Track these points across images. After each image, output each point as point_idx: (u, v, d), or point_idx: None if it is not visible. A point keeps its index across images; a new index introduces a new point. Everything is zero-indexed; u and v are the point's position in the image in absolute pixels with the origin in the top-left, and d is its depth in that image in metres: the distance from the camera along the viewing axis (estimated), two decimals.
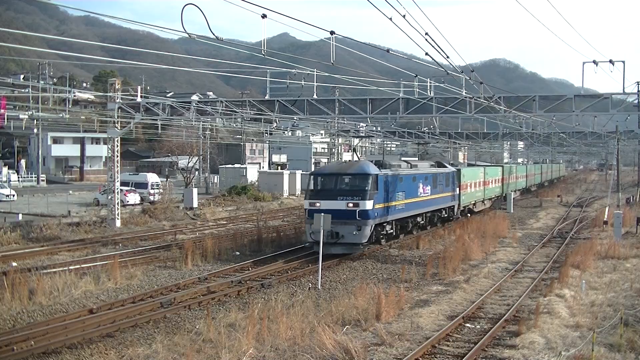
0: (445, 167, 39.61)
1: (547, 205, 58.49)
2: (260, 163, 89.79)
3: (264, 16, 15.14)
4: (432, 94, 30.98)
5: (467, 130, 66.76)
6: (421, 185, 33.42)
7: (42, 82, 59.80)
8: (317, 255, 23.21)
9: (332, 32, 18.09)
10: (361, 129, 64.91)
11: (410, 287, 21.71)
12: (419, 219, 34.45)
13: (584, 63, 27.22)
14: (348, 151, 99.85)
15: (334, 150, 66.17)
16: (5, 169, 73.69)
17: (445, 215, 39.15)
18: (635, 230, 36.23)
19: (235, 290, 21.07)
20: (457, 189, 40.73)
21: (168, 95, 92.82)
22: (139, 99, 37.33)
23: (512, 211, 50.68)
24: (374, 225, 27.75)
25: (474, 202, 46.23)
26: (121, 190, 40.63)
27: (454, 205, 40.29)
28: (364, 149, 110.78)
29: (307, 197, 28.65)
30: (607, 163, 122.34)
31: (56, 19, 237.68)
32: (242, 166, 73.56)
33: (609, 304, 19.05)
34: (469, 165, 77.67)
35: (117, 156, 37.48)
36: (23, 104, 60.06)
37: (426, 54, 17.73)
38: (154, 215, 41.55)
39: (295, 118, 37.22)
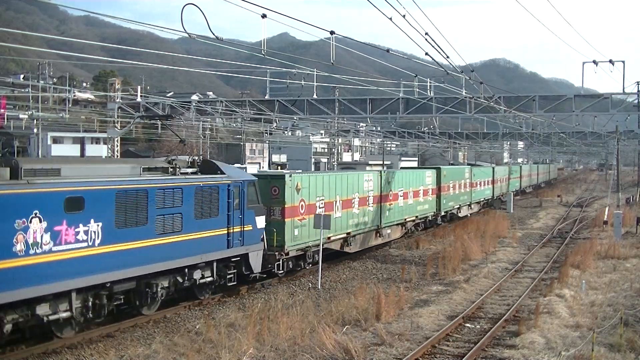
0: (220, 173, 19.34)
1: (547, 205, 58.50)
2: (260, 163, 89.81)
3: (264, 16, 15.15)
4: (432, 94, 30.99)
5: (467, 130, 66.79)
6: (39, 228, 13.53)
7: (42, 82, 59.79)
8: None
9: (332, 32, 18.11)
10: (361, 129, 64.93)
11: (410, 287, 21.72)
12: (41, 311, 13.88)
13: (584, 63, 27.37)
14: (348, 151, 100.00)
15: (333, 150, 66.15)
16: None
17: (201, 278, 18.41)
18: (635, 230, 36.25)
19: (235, 290, 21.05)
20: (260, 218, 20.62)
21: (168, 95, 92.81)
22: (139, 99, 37.33)
23: (512, 211, 50.66)
24: None
25: (343, 236, 26.38)
26: None
27: (244, 255, 19.96)
28: (364, 149, 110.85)
29: None
30: (607, 163, 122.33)
31: (56, 19, 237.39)
32: (242, 166, 73.49)
33: (609, 304, 19.05)
34: (469, 164, 77.15)
35: (117, 156, 37.48)
36: (23, 104, 60.10)
37: (426, 54, 17.75)
38: None
39: (295, 118, 37.17)
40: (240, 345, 14.17)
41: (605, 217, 39.80)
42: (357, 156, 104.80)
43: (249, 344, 14.35)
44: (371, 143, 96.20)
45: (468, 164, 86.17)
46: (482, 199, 51.01)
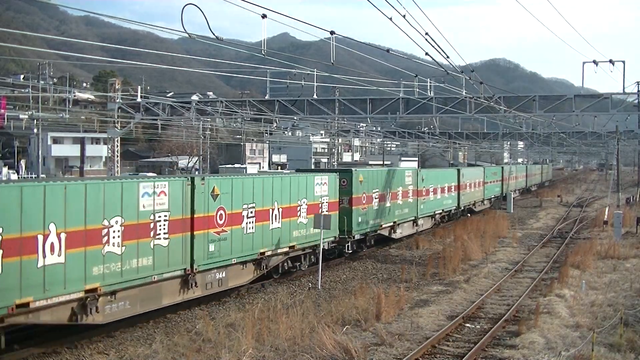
0: None
1: (547, 205, 58.50)
2: (260, 163, 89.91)
3: (264, 16, 15.15)
4: (432, 94, 30.99)
5: (467, 130, 66.81)
6: None
7: (42, 82, 59.82)
8: None
9: (332, 32, 18.12)
10: (361, 129, 64.96)
11: (410, 287, 21.72)
12: None
13: (584, 63, 27.35)
14: (348, 151, 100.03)
15: (333, 150, 66.18)
16: (5, 169, 73.67)
17: None
18: (635, 230, 36.24)
19: (235, 290, 21.06)
20: None
21: (168, 95, 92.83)
22: (139, 99, 37.35)
23: (512, 211, 50.67)
24: None
25: (75, 296, 14.35)
26: None
27: None
28: (364, 149, 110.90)
29: None
30: (607, 163, 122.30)
31: (56, 19, 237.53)
32: (242, 166, 73.61)
33: (609, 304, 19.06)
34: (469, 164, 76.83)
35: (117, 156, 37.50)
36: (23, 104, 60.15)
37: (426, 54, 17.74)
38: None
39: (295, 118, 37.15)
40: (240, 345, 14.17)
41: (605, 217, 39.78)
42: (357, 156, 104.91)
43: (249, 344, 14.35)
44: (371, 143, 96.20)
45: (468, 165, 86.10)
46: (439, 211, 39.14)
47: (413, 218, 34.37)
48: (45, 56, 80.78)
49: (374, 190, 29.17)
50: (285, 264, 23.04)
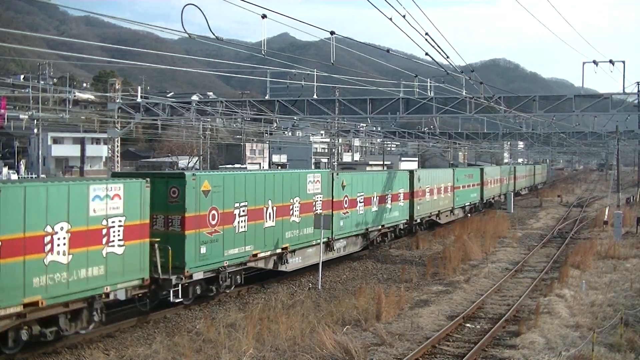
0: None
1: (547, 205, 58.49)
2: (260, 163, 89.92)
3: (264, 16, 15.17)
4: (432, 94, 30.99)
5: (467, 130, 66.82)
6: None
7: (42, 82, 59.81)
8: None
9: (332, 32, 18.14)
10: (361, 129, 64.98)
11: (410, 287, 21.72)
12: None
13: (584, 63, 27.42)
14: (348, 151, 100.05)
15: (334, 150, 66.21)
16: (5, 169, 73.71)
17: None
18: (635, 230, 36.25)
19: (236, 290, 21.06)
20: None
21: (168, 95, 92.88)
22: (139, 99, 37.37)
23: (512, 211, 50.66)
24: None
25: None
26: None
27: None
28: (364, 149, 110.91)
29: None
30: (607, 163, 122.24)
31: (56, 19, 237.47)
32: (242, 166, 73.53)
33: (609, 304, 19.06)
34: (469, 165, 76.46)
35: (117, 156, 37.53)
36: (23, 104, 60.20)
37: (426, 54, 17.75)
38: None
39: (295, 118, 37.16)
40: (240, 345, 14.17)
41: (606, 217, 39.78)
42: (357, 156, 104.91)
43: (249, 344, 14.35)
44: (371, 143, 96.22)
45: (468, 165, 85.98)
46: (375, 228, 29.62)
47: (325, 240, 24.17)
48: (45, 56, 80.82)
49: (237, 204, 19.66)
50: (22, 333, 13.51)
